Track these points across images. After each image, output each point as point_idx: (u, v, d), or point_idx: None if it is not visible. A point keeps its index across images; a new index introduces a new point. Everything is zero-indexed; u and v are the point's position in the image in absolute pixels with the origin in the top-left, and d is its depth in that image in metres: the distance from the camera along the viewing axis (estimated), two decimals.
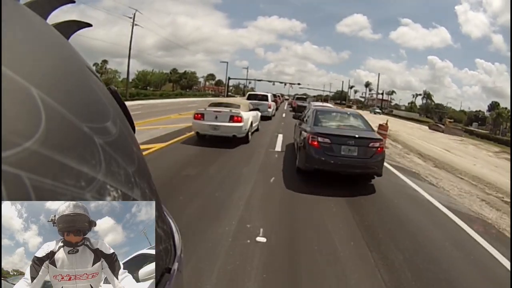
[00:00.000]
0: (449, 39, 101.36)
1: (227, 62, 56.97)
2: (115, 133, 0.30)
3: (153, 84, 53.91)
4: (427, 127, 30.64)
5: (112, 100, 0.34)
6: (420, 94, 69.94)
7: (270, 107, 14.54)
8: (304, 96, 33.72)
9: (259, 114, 9.47)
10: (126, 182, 0.30)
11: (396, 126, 21.01)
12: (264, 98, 15.08)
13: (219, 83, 69.12)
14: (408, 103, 70.78)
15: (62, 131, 0.24)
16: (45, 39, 0.28)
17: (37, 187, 0.21)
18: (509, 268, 2.67)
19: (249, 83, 61.50)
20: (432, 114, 60.36)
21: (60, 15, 0.38)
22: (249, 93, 17.51)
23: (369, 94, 70.82)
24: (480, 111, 62.23)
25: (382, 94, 64.88)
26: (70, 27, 0.38)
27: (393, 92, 72.29)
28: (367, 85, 71.67)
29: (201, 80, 67.96)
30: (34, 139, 0.22)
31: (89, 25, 0.42)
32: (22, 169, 0.20)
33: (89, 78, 0.31)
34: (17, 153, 0.20)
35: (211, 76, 71.23)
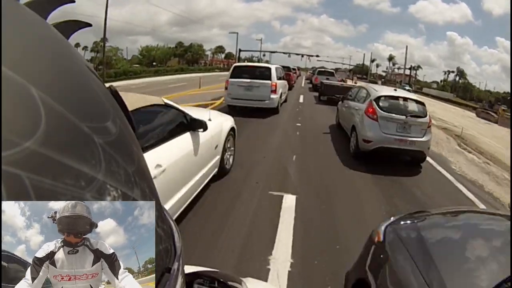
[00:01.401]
0: (470, 15, 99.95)
1: (237, 33, 50.45)
2: (115, 132, 0.30)
3: (158, 60, 49.47)
4: (471, 113, 23.55)
5: (112, 100, 0.34)
6: (452, 71, 65.65)
7: (275, 91, 7.79)
8: (331, 70, 21.34)
9: (219, 139, 2.85)
10: (126, 182, 0.30)
11: (440, 112, 15.78)
12: (264, 74, 7.84)
13: (229, 56, 59.89)
14: (441, 81, 66.43)
15: (62, 131, 0.24)
16: (45, 39, 0.28)
17: (37, 187, 0.21)
18: None
19: (264, 55, 56.76)
20: (458, 92, 56.31)
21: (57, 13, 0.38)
22: (235, 65, 8.61)
23: (391, 68, 67.49)
24: (507, 92, 57.20)
25: (410, 69, 61.20)
26: (70, 27, 0.38)
27: (418, 67, 67.35)
28: (391, 58, 67.93)
29: (209, 53, 61.74)
30: (34, 138, 0.22)
31: (89, 25, 0.43)
32: (22, 169, 0.20)
33: (89, 77, 0.31)
34: (17, 153, 0.20)
35: (219, 49, 63.64)
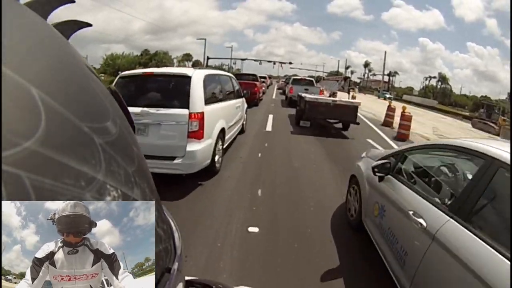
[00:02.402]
0: (442, 22, 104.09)
1: (205, 39, 46.21)
2: (115, 133, 0.30)
3: (123, 69, 47.41)
4: (464, 123, 20.49)
5: (112, 100, 0.34)
6: (434, 77, 64.01)
7: (199, 133, 3.20)
8: (310, 78, 15.50)
9: None
10: (126, 182, 0.30)
11: (446, 129, 12.41)
12: (177, 93, 3.26)
13: (196, 64, 55.91)
14: (423, 87, 64.52)
15: (62, 131, 0.24)
16: (45, 39, 0.28)
17: (37, 187, 0.21)
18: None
19: (234, 63, 54.11)
20: (437, 98, 55.18)
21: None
22: (120, 75, 3.68)
23: (367, 75, 66.95)
24: (486, 96, 56.88)
25: (389, 75, 60.73)
26: (70, 27, 0.38)
27: (395, 73, 65.83)
28: (367, 65, 67.02)
29: (175, 61, 58.45)
30: (34, 139, 0.22)
31: (89, 25, 0.43)
32: (22, 169, 0.20)
33: (89, 77, 0.31)
34: (17, 153, 0.20)
35: (186, 56, 61.06)
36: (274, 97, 17.00)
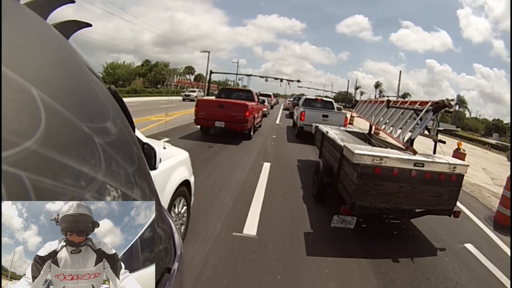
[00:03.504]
0: (450, 43, 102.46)
1: (208, 52, 40.95)
2: (115, 133, 0.30)
3: (123, 79, 43.05)
4: (495, 154, 15.58)
5: (112, 100, 0.34)
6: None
7: None
8: (329, 99, 10.70)
9: None
10: (126, 182, 0.30)
11: (472, 159, 7.42)
12: None
13: (198, 77, 54.62)
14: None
15: (62, 131, 0.24)
16: (45, 39, 0.28)
17: (37, 187, 0.21)
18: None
19: (240, 79, 51.50)
20: (455, 123, 54.69)
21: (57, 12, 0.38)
22: None
23: (380, 96, 65.81)
24: (498, 119, 55.25)
25: (404, 97, 59.56)
26: (70, 27, 0.38)
27: (408, 95, 64.48)
28: (377, 86, 64.20)
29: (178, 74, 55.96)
30: (34, 139, 0.22)
31: (89, 25, 0.43)
32: (22, 169, 0.20)
33: (89, 78, 0.31)
34: (17, 153, 0.20)
35: (188, 69, 57.75)
36: (278, 121, 12.62)
